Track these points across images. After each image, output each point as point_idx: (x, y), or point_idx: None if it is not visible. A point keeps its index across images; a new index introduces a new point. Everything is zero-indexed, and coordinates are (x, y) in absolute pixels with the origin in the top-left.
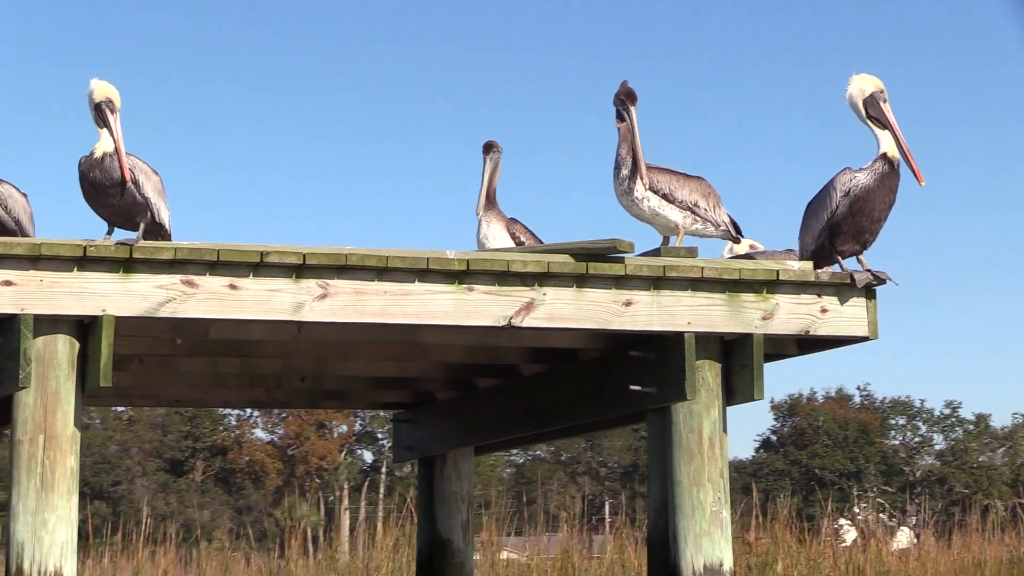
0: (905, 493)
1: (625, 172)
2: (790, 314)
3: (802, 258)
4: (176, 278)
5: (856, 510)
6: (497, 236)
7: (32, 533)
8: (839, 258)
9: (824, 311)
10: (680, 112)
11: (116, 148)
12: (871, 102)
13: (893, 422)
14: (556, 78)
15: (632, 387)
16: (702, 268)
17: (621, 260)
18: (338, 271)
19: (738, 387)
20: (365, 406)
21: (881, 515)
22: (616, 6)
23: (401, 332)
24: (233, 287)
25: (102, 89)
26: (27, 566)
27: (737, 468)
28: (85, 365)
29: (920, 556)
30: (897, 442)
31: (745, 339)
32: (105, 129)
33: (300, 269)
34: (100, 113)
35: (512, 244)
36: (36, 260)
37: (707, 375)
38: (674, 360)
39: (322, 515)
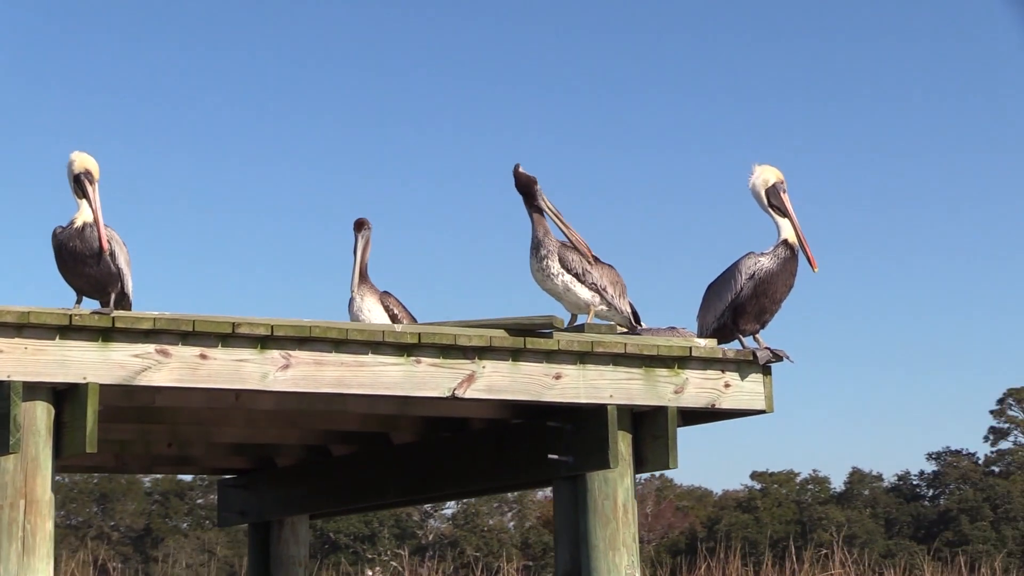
0: (418, 556)
1: (543, 252)
2: (698, 388)
3: (701, 335)
4: (151, 347)
5: (370, 573)
6: (372, 309)
7: None
8: (740, 336)
9: (727, 386)
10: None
11: (95, 219)
12: (773, 192)
13: None
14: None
15: (550, 456)
16: (624, 344)
17: (551, 335)
18: (300, 343)
19: (650, 456)
20: (204, 471)
21: None
22: (508, 83)
23: (362, 402)
24: (203, 356)
25: (82, 161)
26: None
27: (245, 533)
28: (60, 431)
29: None
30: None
31: (658, 411)
32: (84, 200)
33: (265, 340)
34: (79, 184)
35: (386, 317)
36: (21, 328)
37: (621, 445)
38: (592, 430)
39: None
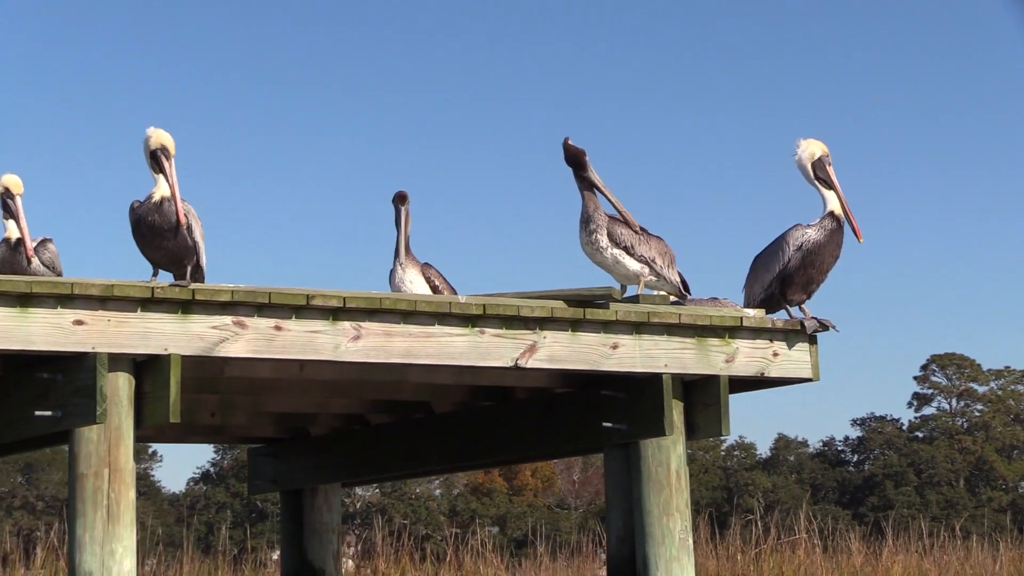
0: (346, 524)
1: (593, 226)
2: (748, 357)
3: (748, 306)
4: (228, 319)
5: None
6: (413, 280)
7: (101, 564)
8: (787, 307)
9: (776, 355)
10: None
11: (172, 193)
12: (819, 165)
13: None
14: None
15: (605, 424)
16: (679, 315)
17: (607, 306)
18: (370, 314)
19: (701, 424)
20: (235, 441)
21: None
22: (560, 56)
23: (422, 372)
24: (278, 328)
25: (158, 137)
26: None
27: (171, 501)
28: (140, 402)
29: None
30: None
31: (710, 380)
32: (161, 175)
33: (337, 312)
34: (156, 159)
35: (427, 288)
36: (105, 300)
37: (674, 413)
38: (647, 399)
39: None
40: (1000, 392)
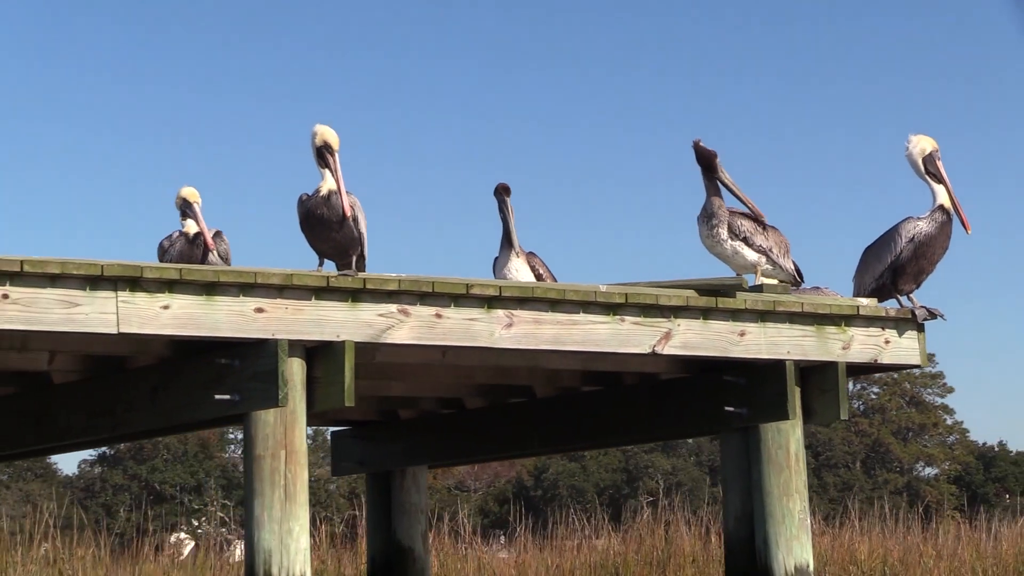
0: (244, 507)
1: (715, 221)
2: (863, 344)
3: (857, 295)
4: (393, 307)
5: (196, 523)
6: (519, 269)
7: (279, 541)
8: (898, 296)
9: (887, 342)
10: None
11: (338, 187)
12: (929, 160)
13: (232, 436)
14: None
15: (727, 408)
16: (801, 304)
17: (734, 295)
18: (521, 302)
19: (818, 409)
20: (326, 423)
21: (222, 528)
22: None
23: (562, 358)
24: (438, 316)
25: (323, 133)
26: (275, 572)
27: (64, 484)
28: (311, 386)
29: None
30: (237, 456)
31: (827, 366)
32: (327, 169)
33: (492, 300)
34: (321, 155)
35: (532, 276)
36: (283, 289)
37: (795, 398)
38: (768, 384)
39: None
40: (895, 375)
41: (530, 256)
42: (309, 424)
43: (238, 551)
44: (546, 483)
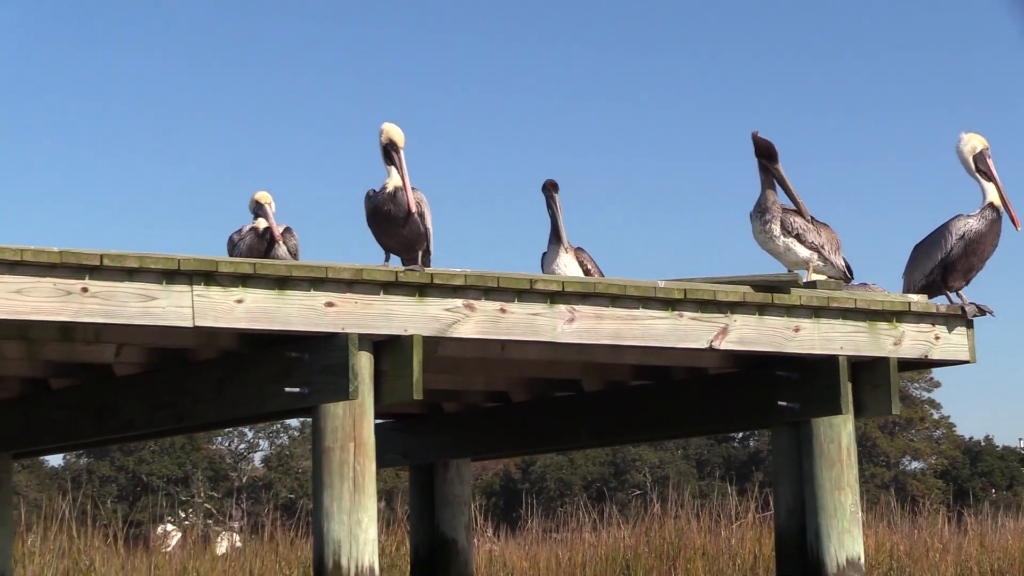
0: (232, 498)
1: (768, 216)
2: (913, 340)
3: (907, 291)
4: (459, 301)
5: (183, 515)
6: (568, 264)
7: (348, 532)
8: (948, 293)
9: (937, 338)
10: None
11: (403, 184)
12: (980, 158)
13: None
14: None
15: (780, 402)
16: (855, 300)
17: (789, 291)
18: (583, 298)
19: (869, 403)
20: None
21: (208, 520)
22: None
23: (623, 353)
24: (503, 310)
25: (389, 131)
26: (344, 562)
27: (51, 475)
28: (379, 379)
29: (242, 557)
30: (224, 447)
31: (879, 362)
32: (393, 166)
33: (555, 295)
34: (387, 153)
35: (580, 271)
36: (352, 284)
37: (848, 393)
38: (821, 379)
39: None
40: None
41: (578, 251)
42: None
43: (225, 543)
44: (533, 476)
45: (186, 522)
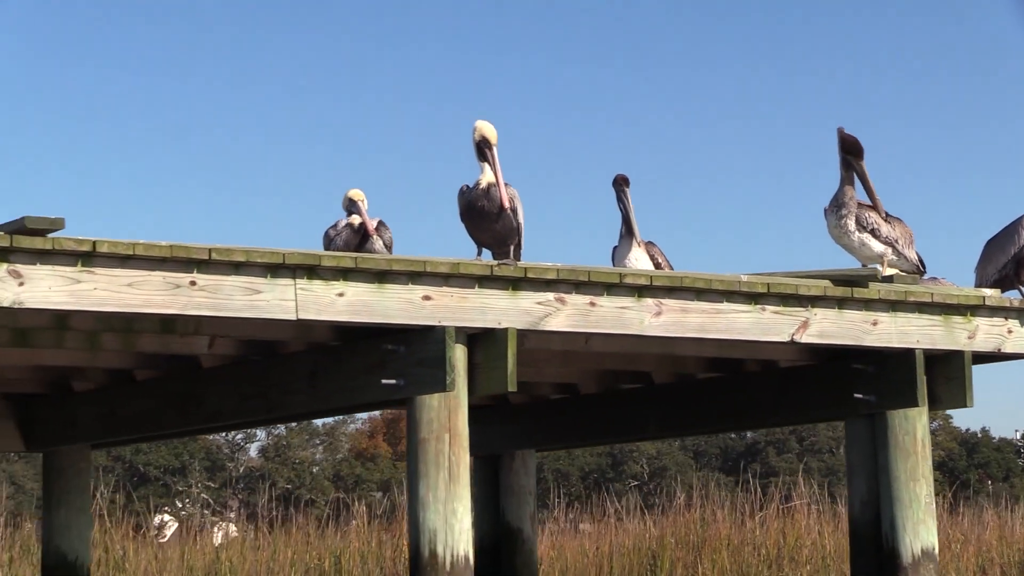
0: (228, 488)
1: (844, 211)
2: (987, 334)
3: (979, 285)
4: (551, 295)
5: (179, 504)
6: (639, 258)
7: (444, 521)
8: (1021, 287)
9: (1010, 332)
10: None
11: (496, 179)
12: None
13: None
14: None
15: (856, 395)
16: (931, 294)
17: (867, 286)
18: (669, 292)
19: (943, 396)
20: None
21: (205, 510)
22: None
23: (704, 345)
24: (592, 304)
25: (482, 129)
26: (440, 551)
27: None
28: (472, 372)
29: (242, 547)
30: (221, 438)
31: (953, 355)
32: (486, 163)
33: (642, 289)
34: (480, 150)
35: (651, 265)
36: (449, 278)
37: (924, 386)
38: (897, 372)
39: None
40: None
41: (649, 245)
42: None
43: (219, 534)
44: None
45: (183, 512)
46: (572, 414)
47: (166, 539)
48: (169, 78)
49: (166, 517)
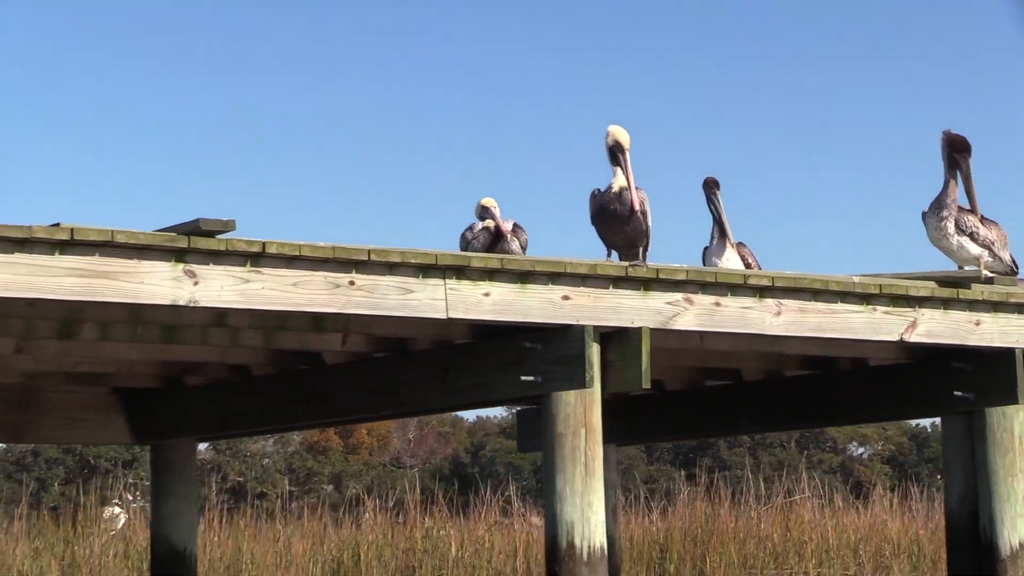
0: None
1: (944, 213)
2: None
3: None
4: (679, 295)
5: (130, 497)
6: (730, 258)
7: (581, 514)
8: None
9: None
10: None
11: (628, 184)
12: None
13: None
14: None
15: (955, 393)
16: None
17: (970, 287)
18: (788, 292)
19: None
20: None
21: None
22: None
23: (812, 344)
24: (717, 304)
25: (614, 133)
26: (578, 542)
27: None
28: (605, 369)
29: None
30: None
31: None
32: (618, 167)
33: (764, 290)
34: (613, 154)
35: (742, 265)
36: (585, 278)
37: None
38: (996, 370)
39: None
40: None
41: (739, 246)
42: None
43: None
44: (483, 460)
45: (133, 504)
46: (657, 409)
47: (115, 531)
48: (324, 84)
49: (116, 509)
